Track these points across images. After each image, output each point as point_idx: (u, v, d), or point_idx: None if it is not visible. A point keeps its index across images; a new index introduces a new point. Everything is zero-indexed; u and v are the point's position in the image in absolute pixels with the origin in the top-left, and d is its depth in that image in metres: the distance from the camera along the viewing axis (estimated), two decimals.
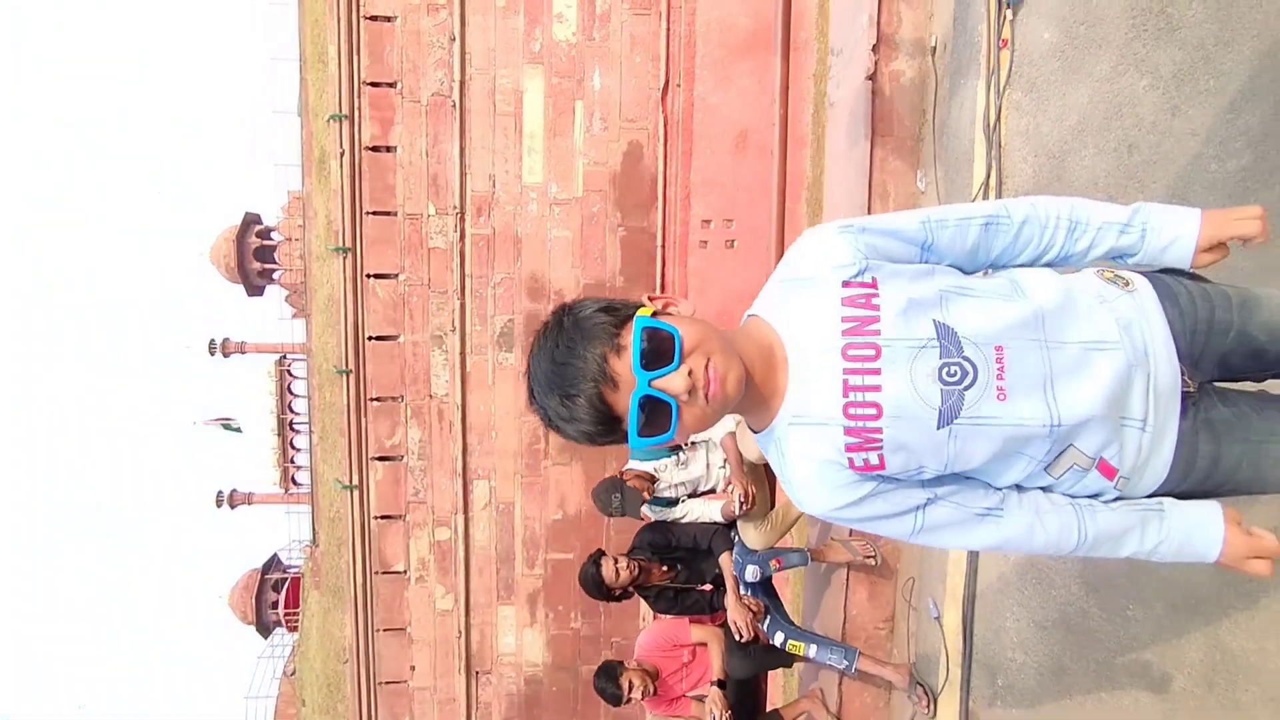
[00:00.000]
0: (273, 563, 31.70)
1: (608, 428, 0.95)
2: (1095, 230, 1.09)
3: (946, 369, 0.98)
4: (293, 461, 38.91)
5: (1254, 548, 1.02)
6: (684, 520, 3.96)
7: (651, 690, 3.87)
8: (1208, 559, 1.04)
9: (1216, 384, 1.12)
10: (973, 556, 2.95)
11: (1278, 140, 1.85)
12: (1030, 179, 2.69)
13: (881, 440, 0.97)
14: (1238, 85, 1.97)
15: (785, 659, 3.73)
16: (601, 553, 3.93)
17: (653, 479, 3.90)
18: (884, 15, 3.47)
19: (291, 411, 37.38)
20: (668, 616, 4.15)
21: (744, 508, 3.54)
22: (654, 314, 0.97)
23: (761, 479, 3.69)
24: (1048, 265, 1.13)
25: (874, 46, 3.46)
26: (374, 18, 8.27)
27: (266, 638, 32.43)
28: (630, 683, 3.82)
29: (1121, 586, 2.13)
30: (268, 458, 34.29)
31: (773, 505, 3.70)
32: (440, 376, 8.73)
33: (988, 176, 2.80)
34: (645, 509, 3.89)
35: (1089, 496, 1.04)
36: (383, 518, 8.98)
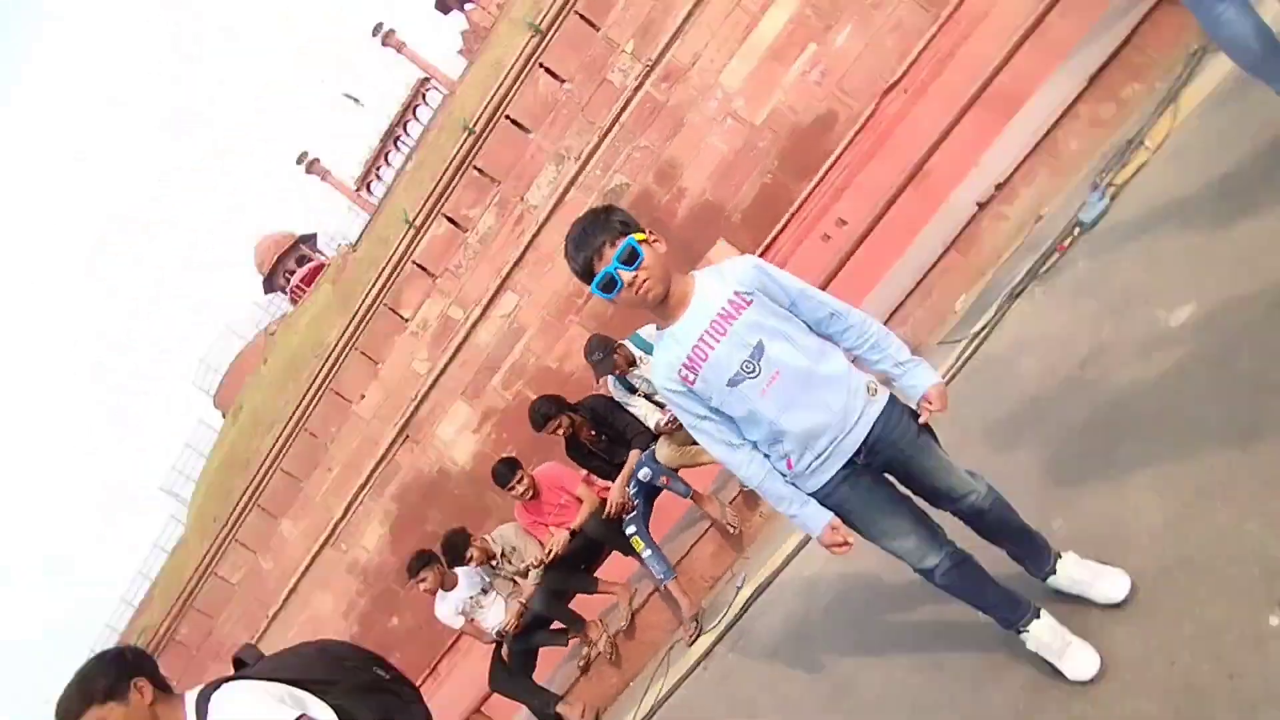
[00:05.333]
0: (310, 240, 33.07)
1: (586, 275, 1.77)
2: (883, 358, 1.86)
3: (745, 364, 1.76)
4: (377, 171, 39.93)
5: (832, 539, 1.83)
6: (629, 408, 4.49)
7: (530, 494, 4.76)
8: (813, 534, 1.87)
9: (883, 471, 1.87)
10: (787, 565, 3.83)
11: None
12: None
13: (697, 375, 1.77)
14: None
15: (626, 547, 4.51)
16: (562, 405, 4.50)
17: (633, 363, 4.41)
18: (1025, 166, 4.04)
19: (404, 130, 38.05)
20: (573, 464, 4.80)
21: (670, 426, 4.25)
22: (642, 240, 1.74)
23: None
24: (849, 351, 1.87)
25: (999, 184, 3.88)
26: None
27: (267, 293, 34.28)
28: (522, 478, 4.73)
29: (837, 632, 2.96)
30: (361, 154, 35.22)
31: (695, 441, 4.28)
32: (541, 189, 8.99)
33: (982, 329, 3.58)
34: (610, 382, 4.40)
35: (781, 472, 1.87)
36: (419, 266, 9.45)
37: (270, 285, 33.12)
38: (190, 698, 2.03)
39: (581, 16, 8.51)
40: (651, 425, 4.44)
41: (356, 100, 33.50)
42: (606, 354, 4.40)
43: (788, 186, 8.51)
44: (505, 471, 4.72)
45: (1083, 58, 4.15)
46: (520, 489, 4.70)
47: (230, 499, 10.72)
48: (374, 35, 30.02)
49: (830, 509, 1.83)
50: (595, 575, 4.81)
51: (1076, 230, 3.41)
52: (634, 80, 8.55)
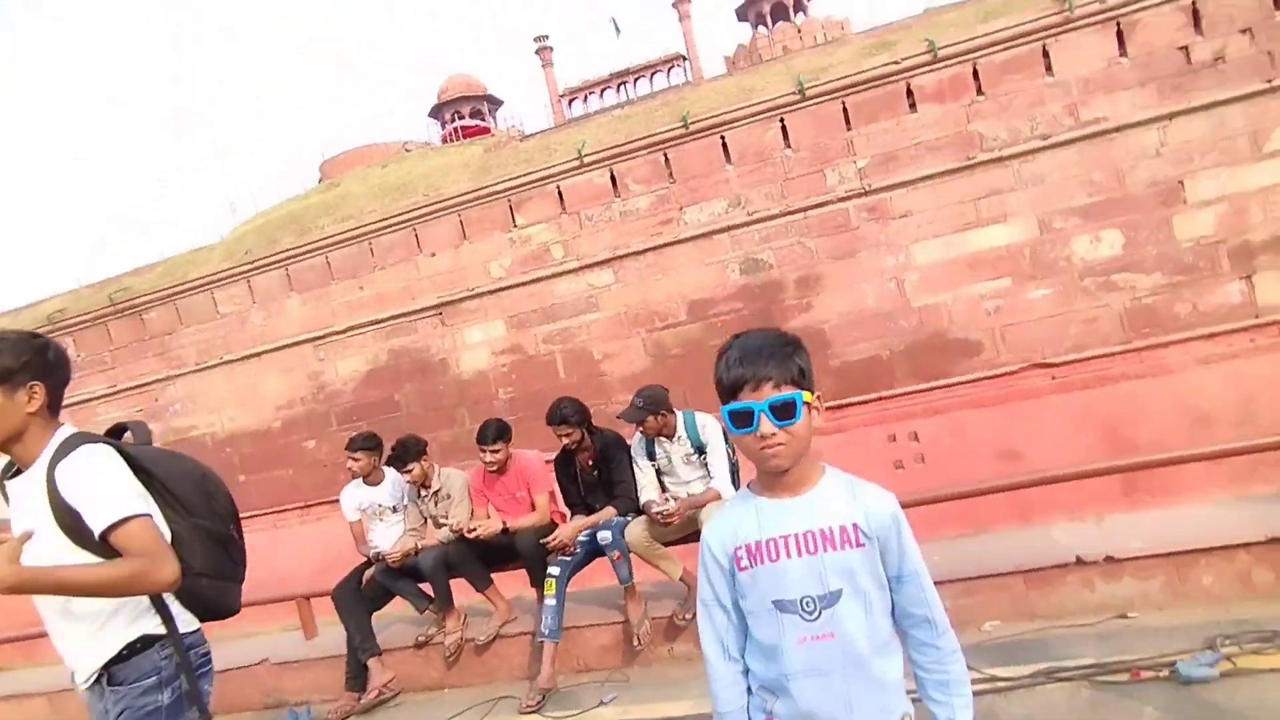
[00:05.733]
0: (494, 105, 33.85)
1: (729, 391, 1.46)
2: (943, 702, 1.50)
3: (807, 600, 1.45)
4: (586, 95, 40.84)
5: None
6: (635, 468, 4.35)
7: (496, 469, 4.56)
8: None
9: None
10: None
11: None
12: None
13: (750, 568, 1.48)
14: None
15: (539, 581, 4.31)
16: (585, 419, 4.35)
17: (670, 434, 4.20)
18: (1139, 563, 3.55)
19: (633, 81, 38.89)
20: (550, 473, 4.61)
21: (659, 517, 3.99)
22: (808, 401, 1.43)
23: (685, 527, 4.11)
24: (914, 665, 1.53)
25: (1109, 557, 3.48)
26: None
27: (429, 115, 35.25)
28: (500, 450, 4.49)
29: None
30: (586, 73, 36.11)
31: (670, 543, 4.11)
32: (701, 213, 8.98)
33: None
34: (637, 436, 4.23)
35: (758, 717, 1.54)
36: (560, 194, 9.52)
37: (435, 114, 34.03)
38: (62, 432, 1.85)
39: (844, 108, 8.54)
40: (642, 499, 4.19)
41: (618, 30, 34.47)
42: (646, 409, 4.09)
43: (895, 373, 8.36)
44: (491, 434, 4.45)
45: (1277, 511, 3.83)
46: (490, 458, 4.46)
47: (270, 247, 10.91)
48: (680, 19, 30.91)
49: None
50: (492, 577, 4.58)
51: (1165, 671, 3.05)
52: (843, 190, 8.53)
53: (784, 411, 1.40)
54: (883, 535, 1.47)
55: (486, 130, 27.35)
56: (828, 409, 7.08)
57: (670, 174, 9.14)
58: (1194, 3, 7.62)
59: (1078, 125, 7.88)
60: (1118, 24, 7.80)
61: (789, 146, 8.75)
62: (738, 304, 8.92)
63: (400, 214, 10.15)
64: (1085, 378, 7.73)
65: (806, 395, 1.43)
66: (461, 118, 31.28)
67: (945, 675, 1.52)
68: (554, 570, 4.16)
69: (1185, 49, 7.66)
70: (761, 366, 1.42)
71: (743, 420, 1.42)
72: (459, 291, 9.87)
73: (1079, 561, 3.75)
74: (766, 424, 1.40)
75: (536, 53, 37.25)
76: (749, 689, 1.53)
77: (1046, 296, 7.99)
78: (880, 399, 8.33)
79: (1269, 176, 7.48)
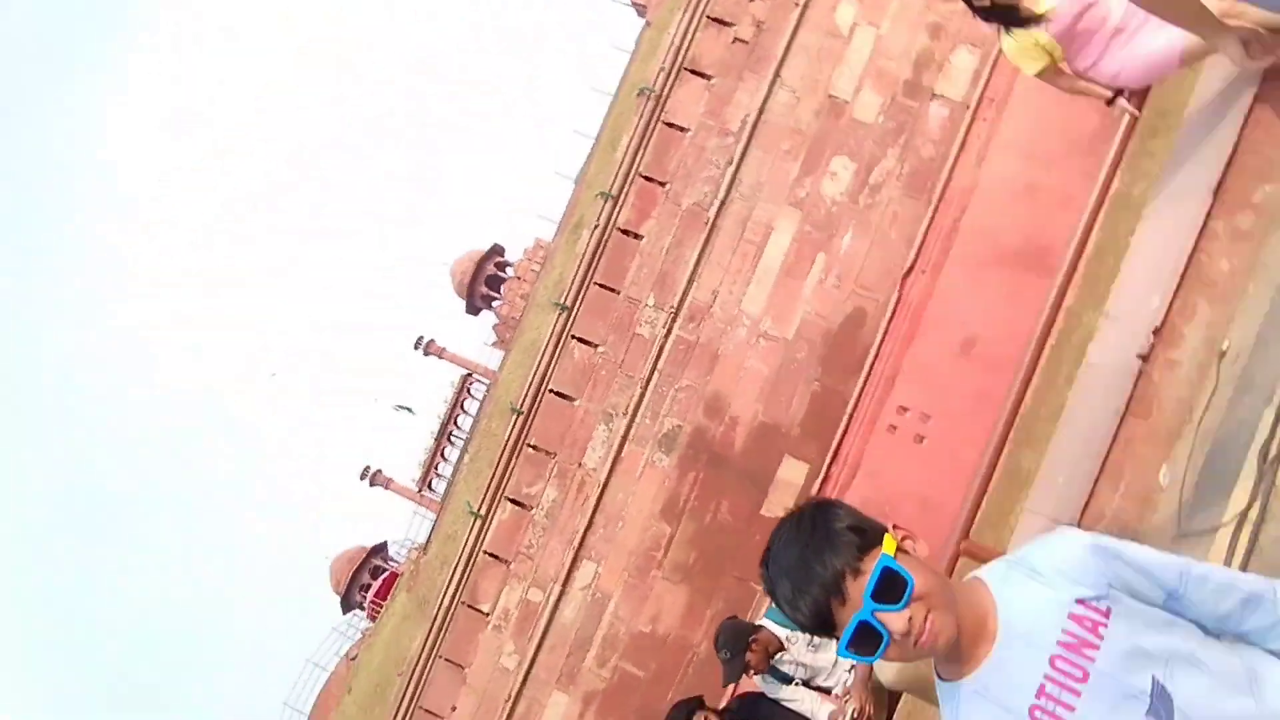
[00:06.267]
0: (382, 550, 33.39)
1: (821, 626, 1.04)
2: None
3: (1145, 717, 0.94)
4: (436, 469, 41.41)
5: None
6: (789, 704, 3.65)
7: None
8: None
9: None
10: None
11: None
12: None
13: None
14: None
15: None
16: (701, 703, 3.73)
17: (781, 648, 3.66)
18: (1178, 302, 3.35)
19: (455, 425, 40.05)
20: None
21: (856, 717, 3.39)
22: (896, 547, 1.03)
23: (881, 701, 3.48)
24: (1256, 638, 1.07)
25: (1156, 329, 3.30)
26: (670, 124, 9.13)
27: (345, 613, 33.96)
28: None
29: None
30: (418, 455, 36.73)
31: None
32: (596, 451, 9.01)
33: (1248, 508, 2.47)
34: (758, 679, 3.64)
35: None
36: (491, 555, 9.25)
37: (348, 604, 32.87)
38: None
39: (601, 285, 9.10)
40: (823, 718, 3.57)
41: (410, 410, 35.63)
42: (738, 651, 3.51)
43: (838, 389, 8.42)
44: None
45: (1189, 174, 3.53)
46: None
47: None
48: (415, 348, 32.73)
49: None
50: None
51: None
52: (662, 329, 8.89)
53: (892, 590, 1.01)
54: (1108, 576, 1.06)
55: (395, 574, 26.64)
56: (831, 460, 6.75)
57: (546, 452, 9.17)
58: (702, 9, 9.04)
59: (737, 137, 8.84)
60: (684, 69, 9.06)
61: (594, 347, 9.11)
62: (692, 472, 8.79)
63: (397, 713, 9.37)
64: (939, 247, 8.15)
65: (888, 545, 1.06)
66: (368, 587, 30.41)
67: None
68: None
69: (734, 39, 8.97)
70: (819, 568, 1.04)
71: (868, 640, 1.02)
72: (501, 712, 9.04)
73: (1143, 358, 3.34)
74: (892, 620, 1.01)
75: (371, 485, 37.66)
76: None
77: (854, 235, 8.52)
78: (850, 417, 8.30)
79: (861, 50, 8.67)
